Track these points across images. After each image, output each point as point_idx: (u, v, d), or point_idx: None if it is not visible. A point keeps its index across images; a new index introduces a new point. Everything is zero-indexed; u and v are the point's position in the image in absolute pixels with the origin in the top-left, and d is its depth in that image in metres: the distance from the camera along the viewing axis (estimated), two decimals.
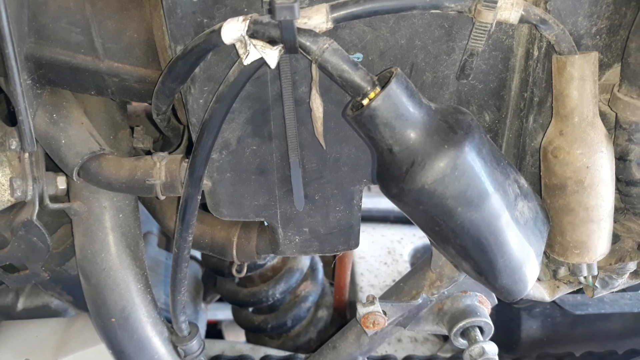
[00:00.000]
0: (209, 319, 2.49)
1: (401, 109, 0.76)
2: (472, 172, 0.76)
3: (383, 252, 2.10)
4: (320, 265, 1.89)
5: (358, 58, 0.91)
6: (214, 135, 0.89)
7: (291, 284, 1.77)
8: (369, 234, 2.21)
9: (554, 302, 1.63)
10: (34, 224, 1.11)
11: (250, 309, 1.89)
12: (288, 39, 0.76)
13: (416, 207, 0.80)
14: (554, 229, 0.91)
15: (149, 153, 1.23)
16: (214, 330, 2.73)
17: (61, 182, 1.13)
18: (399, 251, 2.11)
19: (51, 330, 1.45)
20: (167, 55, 0.97)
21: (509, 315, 1.67)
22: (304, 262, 1.81)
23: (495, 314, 1.68)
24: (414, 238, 2.18)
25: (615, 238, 0.98)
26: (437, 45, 0.90)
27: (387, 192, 0.82)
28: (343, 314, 1.92)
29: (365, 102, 0.78)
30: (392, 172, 0.79)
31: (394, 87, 0.76)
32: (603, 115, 0.90)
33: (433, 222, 0.81)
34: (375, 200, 2.30)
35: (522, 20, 0.81)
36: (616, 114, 0.86)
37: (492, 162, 0.79)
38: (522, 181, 0.86)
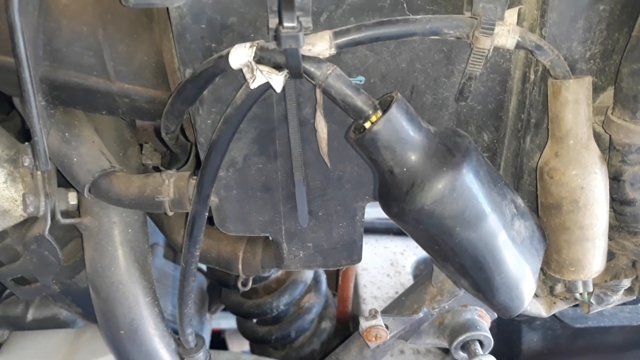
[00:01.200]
0: (213, 328, 2.51)
1: (401, 133, 0.79)
2: (469, 193, 0.79)
3: (386, 264, 2.12)
4: (323, 278, 1.92)
5: (360, 81, 0.94)
6: (221, 155, 0.93)
7: (295, 296, 1.79)
8: (372, 246, 2.23)
9: (554, 315, 1.66)
10: (45, 238, 1.14)
11: (255, 320, 1.92)
12: (293, 65, 0.79)
13: (416, 226, 0.82)
14: (551, 247, 0.94)
15: (157, 169, 1.27)
16: (218, 340, 2.75)
17: (72, 198, 1.16)
18: (402, 263, 2.13)
19: (60, 341, 1.48)
20: (177, 77, 1.00)
21: (509, 328, 1.69)
22: (308, 274, 1.84)
23: (496, 326, 1.71)
24: (416, 250, 2.19)
25: (611, 255, 1.01)
26: (436, 68, 0.93)
27: (388, 212, 0.85)
28: (346, 325, 1.94)
29: (367, 125, 0.81)
30: (393, 192, 0.82)
31: (394, 111, 0.79)
32: (598, 136, 0.93)
33: (432, 241, 0.84)
34: (378, 211, 2.32)
35: (518, 46, 0.84)
36: (610, 136, 0.89)
37: (489, 183, 0.82)
38: (519, 201, 0.89)
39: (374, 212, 2.37)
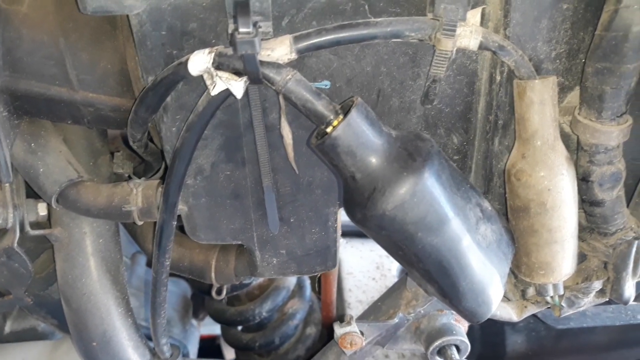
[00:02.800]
0: (207, 334, 2.49)
1: (362, 137, 0.78)
2: (431, 198, 0.78)
3: (371, 268, 2.10)
4: (307, 283, 1.90)
5: (326, 85, 0.93)
6: (185, 163, 0.91)
7: (277, 302, 1.78)
8: (357, 250, 2.22)
9: (536, 316, 1.65)
10: (15, 250, 1.12)
11: (240, 328, 1.90)
12: (251, 71, 0.78)
13: (379, 232, 0.81)
14: (520, 250, 0.92)
15: (129, 177, 1.25)
16: (213, 346, 2.72)
17: (42, 209, 1.15)
18: (387, 266, 2.12)
19: (38, 353, 1.46)
20: (141, 84, 0.99)
21: (493, 330, 1.68)
22: (291, 280, 1.82)
23: (480, 329, 1.69)
24: None
25: (582, 257, 1.00)
26: (402, 71, 0.92)
27: (352, 218, 0.84)
28: (332, 331, 1.92)
29: (329, 130, 0.80)
30: (355, 198, 0.81)
31: (354, 116, 0.78)
32: (567, 137, 0.92)
33: (396, 246, 0.82)
34: None
35: (481, 47, 0.83)
36: (577, 136, 0.88)
37: (451, 187, 0.81)
38: (485, 204, 0.88)
39: None
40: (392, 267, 2.14)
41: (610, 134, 0.83)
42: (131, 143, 1.05)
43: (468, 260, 0.83)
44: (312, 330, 1.89)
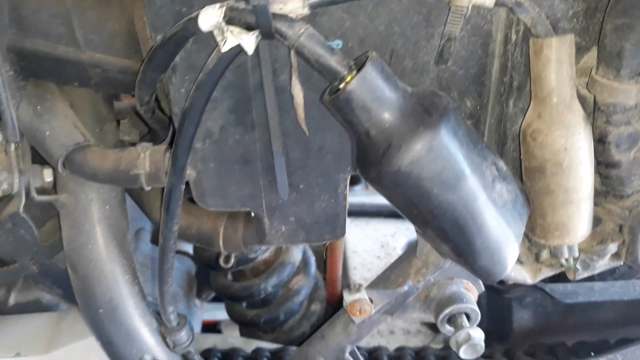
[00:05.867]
0: (208, 319, 2.49)
1: (377, 92, 0.77)
2: (447, 153, 0.77)
3: (376, 246, 2.10)
4: (312, 259, 1.89)
5: (338, 45, 0.91)
6: (195, 124, 0.90)
7: (283, 277, 1.77)
8: (362, 229, 2.21)
9: (544, 291, 1.64)
10: (21, 216, 1.11)
11: (244, 304, 1.89)
12: (263, 24, 0.76)
13: (394, 189, 0.80)
14: (535, 211, 0.91)
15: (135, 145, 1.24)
16: (214, 331, 2.72)
17: (47, 175, 1.13)
18: (392, 245, 2.11)
19: (43, 325, 1.46)
20: (149, 45, 0.97)
21: (500, 306, 1.67)
22: (296, 255, 1.81)
23: (487, 304, 1.69)
24: (407, 232, 2.17)
25: (597, 221, 0.99)
26: (416, 31, 0.90)
27: (366, 176, 0.82)
28: (336, 307, 1.91)
29: (342, 86, 0.78)
30: (370, 155, 0.79)
31: (369, 70, 0.76)
32: (583, 99, 0.90)
33: (411, 204, 0.81)
34: (369, 194, 2.30)
35: (497, 3, 0.81)
36: (594, 96, 0.86)
37: (468, 144, 0.80)
38: (501, 164, 0.87)
39: (363, 195, 2.36)
40: (397, 246, 2.13)
41: (629, 92, 0.82)
42: (138, 107, 1.03)
43: (484, 218, 0.82)
44: (317, 307, 1.88)
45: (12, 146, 1.08)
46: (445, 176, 0.77)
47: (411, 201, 0.81)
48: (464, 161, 0.78)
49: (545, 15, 0.85)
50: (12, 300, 1.52)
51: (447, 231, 0.83)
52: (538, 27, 0.82)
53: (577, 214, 0.88)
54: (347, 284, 1.17)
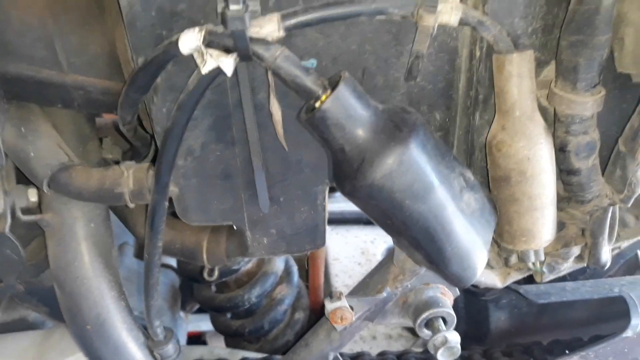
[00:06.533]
0: (192, 331, 2.50)
1: (350, 110, 0.81)
2: (417, 166, 0.82)
3: (357, 253, 2.14)
4: (295, 269, 1.93)
5: (312, 64, 0.95)
6: (177, 143, 0.93)
7: (266, 287, 1.80)
8: (342, 236, 2.25)
9: (518, 292, 1.70)
10: (6, 237, 1.13)
11: (229, 315, 1.92)
12: (241, 47, 0.80)
13: (368, 202, 0.84)
14: (502, 219, 0.96)
15: (118, 163, 1.26)
16: (199, 342, 2.73)
17: (32, 195, 1.15)
18: (372, 251, 2.16)
19: (29, 343, 1.47)
20: (130, 67, 1.00)
21: (477, 308, 1.73)
22: (279, 265, 1.85)
23: (464, 307, 1.74)
24: (386, 238, 2.18)
25: (561, 225, 1.04)
26: (386, 49, 0.95)
27: (342, 190, 0.87)
28: (320, 315, 1.95)
29: (317, 104, 0.82)
30: (345, 170, 0.84)
31: (342, 89, 0.81)
32: (544, 110, 0.96)
33: (385, 215, 0.85)
34: (348, 202, 2.34)
35: (461, 22, 0.86)
36: (554, 108, 0.92)
37: (437, 156, 0.85)
38: (469, 174, 0.92)
39: (343, 203, 2.41)
40: (376, 252, 2.18)
41: (585, 104, 0.87)
42: (121, 126, 1.06)
43: (453, 226, 0.86)
44: (300, 315, 1.91)
45: None
46: (415, 188, 0.82)
47: (385, 213, 0.85)
48: (432, 173, 0.83)
49: (506, 33, 0.90)
50: None
51: (419, 240, 0.87)
52: (500, 44, 0.87)
53: (541, 220, 0.93)
54: (329, 292, 1.21)
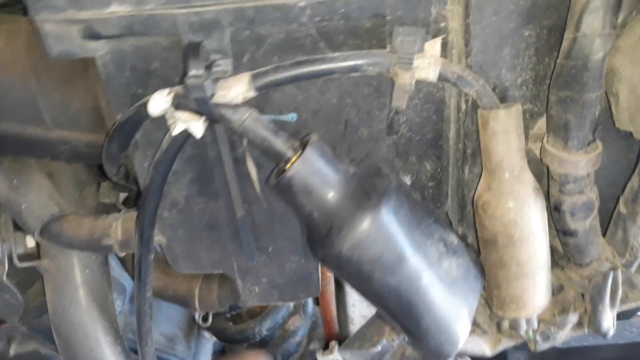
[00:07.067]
0: None
1: (317, 176, 0.78)
2: (387, 236, 0.77)
3: None
4: (310, 299, 1.90)
5: (292, 118, 0.92)
6: (156, 199, 0.92)
7: (277, 320, 1.78)
8: None
9: None
10: (4, 284, 1.15)
11: (245, 345, 1.91)
12: (205, 112, 0.78)
13: (339, 271, 0.80)
14: (491, 283, 0.90)
15: (116, 206, 1.27)
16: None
17: (30, 241, 1.18)
18: None
19: None
20: (114, 120, 1.00)
21: None
22: None
23: None
24: None
25: (560, 287, 0.97)
26: (368, 102, 0.91)
27: (315, 256, 0.83)
28: None
29: (288, 166, 0.79)
30: (314, 236, 0.80)
31: (308, 155, 0.77)
32: (539, 163, 0.89)
33: (356, 285, 0.81)
34: None
35: (440, 78, 0.81)
36: (547, 165, 0.85)
37: (410, 223, 0.79)
38: (451, 238, 0.86)
39: None
40: None
41: (578, 163, 0.81)
42: (109, 176, 1.06)
43: (429, 297, 0.81)
44: (315, 346, 1.88)
45: None
46: (385, 259, 0.77)
47: (355, 284, 0.81)
48: (404, 242, 0.78)
49: (493, 85, 0.84)
50: (12, 351, 1.55)
51: (393, 311, 0.82)
52: (483, 100, 0.82)
53: (532, 287, 0.86)
54: (344, 329, 1.17)
